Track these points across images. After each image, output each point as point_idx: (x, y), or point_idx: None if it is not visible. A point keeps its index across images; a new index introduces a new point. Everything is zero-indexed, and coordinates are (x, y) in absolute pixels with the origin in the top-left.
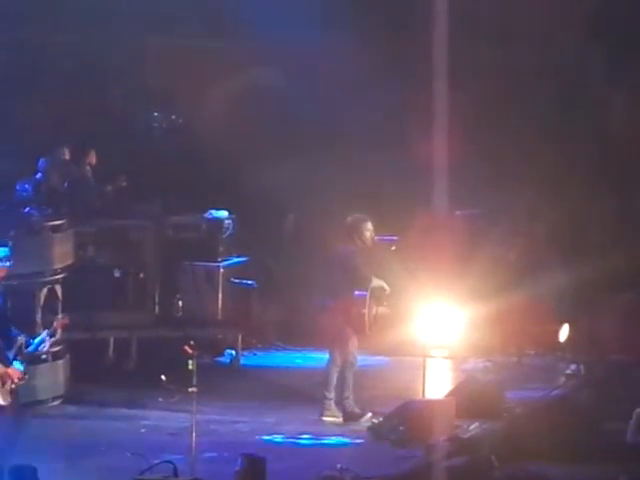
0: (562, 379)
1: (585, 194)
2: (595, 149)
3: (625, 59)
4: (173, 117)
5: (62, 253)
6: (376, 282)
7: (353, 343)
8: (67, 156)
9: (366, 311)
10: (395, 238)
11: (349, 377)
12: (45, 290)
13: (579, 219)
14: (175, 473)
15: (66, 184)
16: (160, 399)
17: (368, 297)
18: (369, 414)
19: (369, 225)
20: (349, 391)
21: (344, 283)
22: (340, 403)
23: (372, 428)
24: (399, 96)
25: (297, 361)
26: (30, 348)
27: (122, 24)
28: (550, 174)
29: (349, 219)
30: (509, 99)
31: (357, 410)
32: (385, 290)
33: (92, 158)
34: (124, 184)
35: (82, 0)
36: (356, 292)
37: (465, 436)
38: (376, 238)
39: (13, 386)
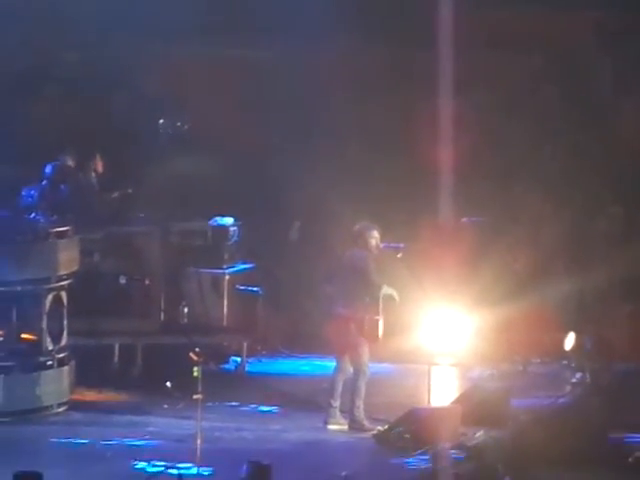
0: (568, 387)
1: (591, 203)
2: (601, 158)
3: (633, 67)
4: (178, 124)
5: (68, 259)
6: (386, 290)
7: (366, 352)
8: (72, 163)
9: (380, 318)
10: (401, 245)
11: (362, 386)
12: (50, 296)
13: (585, 228)
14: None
15: (72, 191)
16: (165, 406)
17: (380, 305)
18: (377, 429)
19: (375, 233)
20: (361, 400)
21: (356, 290)
22: (350, 411)
23: (378, 435)
24: (405, 103)
25: (303, 368)
26: None
27: (126, 31)
28: (556, 183)
29: (356, 227)
30: (515, 107)
31: (366, 422)
32: (395, 299)
33: (98, 165)
34: (130, 191)
35: (86, 7)
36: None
37: (471, 444)
38: (382, 246)
39: None
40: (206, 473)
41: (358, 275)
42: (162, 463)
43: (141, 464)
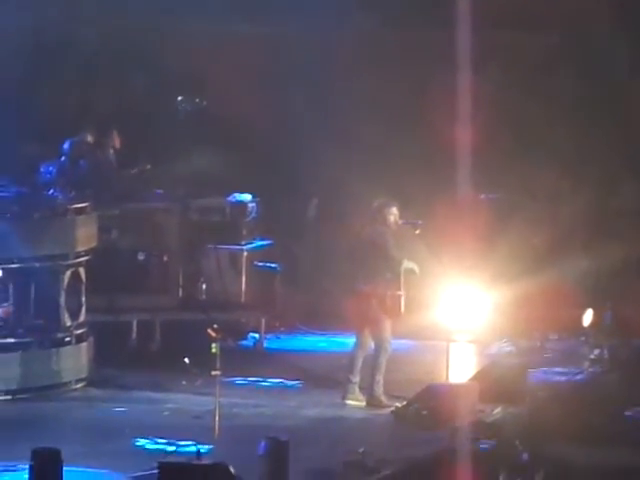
0: (586, 363)
1: (608, 180)
2: (618, 135)
3: None
4: (197, 100)
5: (86, 236)
6: (407, 264)
7: (388, 328)
8: (90, 139)
9: (402, 294)
10: (419, 222)
11: (383, 362)
12: (69, 273)
13: (602, 205)
14: (198, 456)
15: (90, 167)
16: (183, 382)
17: (402, 280)
18: (395, 406)
19: (394, 209)
20: (381, 376)
21: (376, 266)
22: (369, 387)
23: (395, 412)
24: (423, 80)
25: (321, 344)
26: None
27: (144, 7)
28: (573, 160)
29: (374, 203)
30: (532, 84)
31: (384, 399)
32: (415, 272)
33: (116, 141)
34: (148, 167)
35: None
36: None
37: (489, 420)
38: (400, 222)
39: None
40: (203, 450)
41: (378, 251)
42: (163, 440)
43: (142, 441)
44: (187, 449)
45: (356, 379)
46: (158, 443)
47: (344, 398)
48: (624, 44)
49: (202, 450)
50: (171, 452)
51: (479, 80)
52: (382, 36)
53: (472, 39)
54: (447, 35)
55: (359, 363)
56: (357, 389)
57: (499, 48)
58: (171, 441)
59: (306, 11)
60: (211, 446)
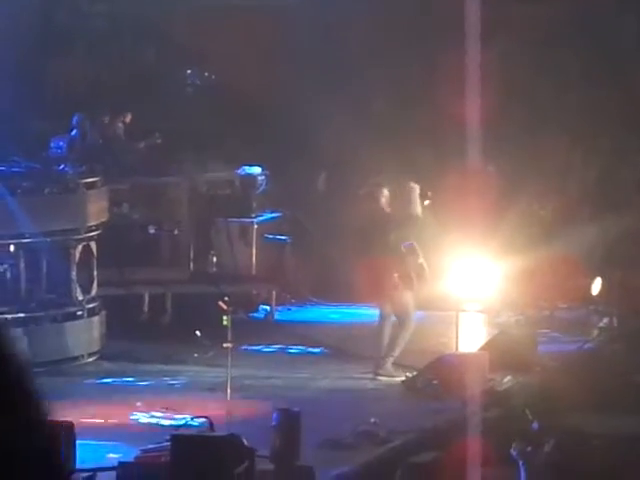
0: (595, 332)
1: (616, 151)
2: (626, 107)
3: None
4: (206, 74)
5: (97, 210)
6: (419, 260)
7: (411, 301)
8: (106, 120)
9: (422, 261)
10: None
11: (405, 338)
12: (80, 247)
13: (610, 176)
14: (211, 428)
15: (100, 141)
16: (195, 355)
17: (416, 246)
18: (406, 375)
19: (385, 191)
20: (398, 350)
21: (390, 241)
22: (382, 357)
23: (406, 382)
24: (432, 53)
25: (331, 316)
26: None
27: None
28: (582, 131)
29: (364, 188)
30: (541, 56)
31: (393, 369)
32: (424, 270)
33: (127, 117)
34: (158, 141)
35: None
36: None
37: (499, 389)
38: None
39: None
40: (196, 424)
41: (388, 230)
42: (159, 414)
43: (137, 414)
44: (181, 422)
45: (384, 354)
46: (154, 417)
47: (375, 374)
48: (632, 14)
49: (194, 424)
50: (183, 425)
51: (488, 53)
52: (390, 8)
53: (481, 12)
54: (456, 6)
55: (386, 337)
56: (389, 364)
57: (508, 21)
58: (166, 414)
59: None
60: (204, 419)
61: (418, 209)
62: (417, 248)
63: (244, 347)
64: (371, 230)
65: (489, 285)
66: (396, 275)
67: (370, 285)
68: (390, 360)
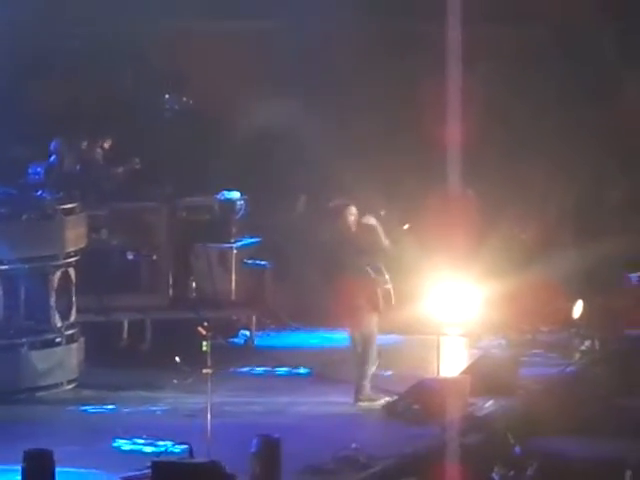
0: (577, 355)
1: (596, 176)
2: (607, 130)
3: (637, 37)
4: (184, 99)
5: (75, 236)
6: (387, 282)
7: (374, 322)
8: (84, 146)
9: (391, 286)
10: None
11: (372, 356)
12: (59, 274)
13: (590, 200)
14: (191, 455)
15: (77, 167)
16: (175, 381)
17: (386, 275)
18: (386, 400)
19: (353, 209)
20: (370, 370)
21: (359, 263)
22: (357, 382)
23: (387, 407)
24: (411, 75)
25: (311, 341)
26: None
27: (132, 6)
28: (562, 155)
29: (331, 205)
30: (522, 80)
31: (373, 393)
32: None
33: (105, 143)
34: (137, 166)
35: None
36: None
37: (480, 414)
38: (368, 217)
39: None
40: (177, 450)
41: (359, 247)
42: (141, 440)
43: (119, 441)
44: (165, 449)
45: (358, 380)
46: (136, 444)
47: (355, 400)
48: (612, 37)
49: (177, 450)
50: (163, 452)
51: (469, 74)
52: (371, 32)
53: (462, 34)
54: (436, 28)
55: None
56: (367, 388)
57: (488, 43)
58: (149, 441)
59: (294, 7)
60: (186, 445)
61: (384, 242)
62: (384, 270)
63: (224, 372)
64: (337, 249)
65: (470, 309)
66: (361, 296)
67: (336, 307)
68: (367, 384)
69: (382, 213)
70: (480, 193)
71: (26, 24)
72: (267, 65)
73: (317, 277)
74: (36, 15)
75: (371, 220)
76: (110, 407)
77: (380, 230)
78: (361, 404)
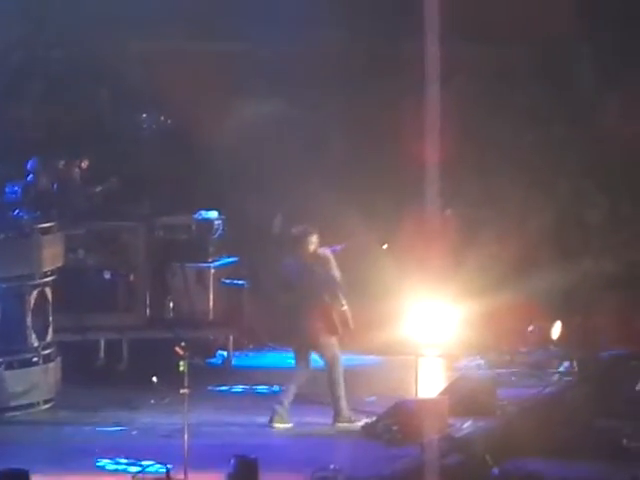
0: (555, 376)
1: (575, 196)
2: (585, 149)
3: (614, 61)
4: (162, 118)
5: (52, 255)
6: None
7: (335, 343)
8: (61, 165)
9: (347, 309)
10: (339, 247)
11: (339, 378)
12: (35, 293)
13: (569, 219)
14: (168, 475)
15: (54, 186)
16: (152, 401)
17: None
18: (364, 421)
19: (314, 238)
20: (342, 391)
21: (316, 290)
22: (332, 405)
23: (365, 428)
24: (389, 94)
25: (289, 361)
26: None
27: (109, 27)
28: (541, 173)
29: (294, 231)
30: (500, 99)
31: (350, 414)
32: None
33: (83, 163)
34: (114, 186)
35: (69, 4)
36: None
37: (458, 435)
38: (323, 249)
39: None
40: (162, 470)
41: (316, 275)
42: (124, 460)
43: (103, 461)
44: (150, 469)
45: (287, 402)
46: (119, 463)
47: (334, 421)
48: (590, 57)
49: (161, 469)
50: (140, 472)
51: (447, 94)
52: (349, 51)
53: (439, 53)
54: (414, 49)
55: (295, 386)
56: (344, 410)
57: (466, 61)
58: (131, 461)
59: (270, 28)
60: (170, 465)
61: (336, 275)
62: (340, 296)
63: (202, 392)
64: (296, 274)
65: (448, 329)
66: (318, 320)
67: (291, 330)
68: (344, 405)
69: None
70: (458, 212)
71: (3, 45)
72: (243, 85)
73: (280, 299)
74: (13, 36)
75: (326, 252)
76: (87, 427)
77: (333, 264)
78: (339, 425)
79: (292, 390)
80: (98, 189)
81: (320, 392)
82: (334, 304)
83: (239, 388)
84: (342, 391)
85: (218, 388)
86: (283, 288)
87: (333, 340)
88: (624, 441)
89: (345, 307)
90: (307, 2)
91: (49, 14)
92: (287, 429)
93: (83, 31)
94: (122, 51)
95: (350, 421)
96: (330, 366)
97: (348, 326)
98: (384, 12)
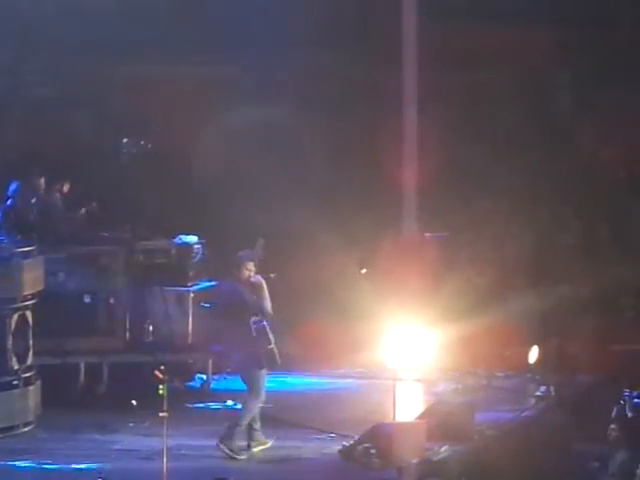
0: (532, 400)
1: (552, 222)
2: (563, 174)
3: (591, 89)
4: (142, 142)
5: (32, 279)
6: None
7: (260, 378)
8: (42, 184)
9: (274, 347)
10: (272, 275)
11: (253, 410)
12: (15, 316)
13: (547, 242)
14: None
15: (35, 210)
16: (131, 424)
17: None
18: (240, 457)
19: (250, 265)
20: (245, 422)
21: (244, 322)
22: (230, 428)
23: (343, 451)
24: (369, 119)
25: (268, 385)
26: None
27: (90, 51)
28: (519, 198)
29: (234, 256)
30: (478, 125)
31: (238, 449)
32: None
33: (64, 186)
34: (94, 204)
35: (51, 28)
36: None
37: (436, 458)
38: (258, 277)
39: None
40: None
41: (246, 306)
42: None
43: None
44: None
45: (257, 425)
46: None
47: (219, 442)
48: (570, 84)
49: None
50: None
51: (425, 119)
52: (328, 76)
53: (419, 79)
54: (394, 75)
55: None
56: (259, 434)
57: (446, 88)
58: None
59: (253, 49)
60: None
61: (266, 304)
62: (268, 331)
63: (181, 415)
64: (230, 301)
65: (426, 353)
66: (246, 353)
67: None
68: (238, 436)
69: (272, 276)
70: (436, 237)
71: None
72: (223, 109)
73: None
74: None
75: (259, 279)
76: (66, 450)
77: (266, 293)
78: (221, 447)
79: (248, 414)
80: (78, 213)
81: (303, 416)
82: (260, 340)
83: (218, 405)
84: (246, 422)
85: (197, 409)
86: (219, 310)
87: (262, 373)
88: (600, 465)
89: (272, 345)
90: (291, 28)
91: (32, 39)
92: (266, 449)
93: (65, 56)
94: (103, 75)
95: (233, 452)
96: (250, 396)
97: (275, 363)
98: (363, 39)
